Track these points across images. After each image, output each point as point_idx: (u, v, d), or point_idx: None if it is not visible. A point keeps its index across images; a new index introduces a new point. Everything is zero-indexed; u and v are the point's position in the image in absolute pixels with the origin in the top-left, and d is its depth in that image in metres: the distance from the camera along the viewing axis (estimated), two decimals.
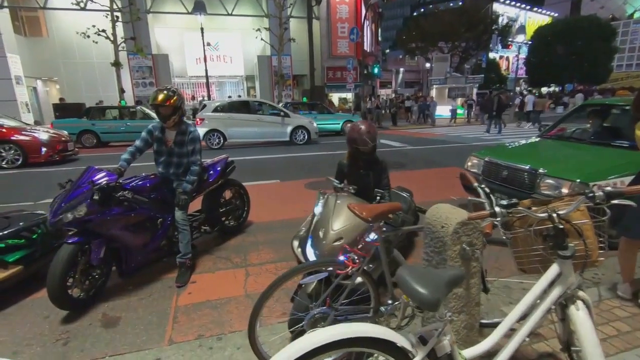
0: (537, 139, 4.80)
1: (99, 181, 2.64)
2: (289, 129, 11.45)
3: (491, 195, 1.73)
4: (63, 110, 14.33)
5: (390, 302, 1.85)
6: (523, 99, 17.83)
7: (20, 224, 2.95)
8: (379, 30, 30.75)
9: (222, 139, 10.88)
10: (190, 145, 3.15)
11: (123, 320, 2.57)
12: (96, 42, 14.27)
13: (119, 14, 14.59)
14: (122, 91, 14.88)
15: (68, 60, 19.04)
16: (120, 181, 2.80)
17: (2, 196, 5.88)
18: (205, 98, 20.27)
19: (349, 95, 22.87)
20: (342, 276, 1.70)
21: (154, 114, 13.12)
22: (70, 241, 2.53)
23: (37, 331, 2.46)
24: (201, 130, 10.74)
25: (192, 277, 3.12)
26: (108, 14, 14.28)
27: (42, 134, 8.44)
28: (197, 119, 10.74)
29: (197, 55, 21.57)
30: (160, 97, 2.93)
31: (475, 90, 23.09)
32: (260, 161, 9.01)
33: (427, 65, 34.53)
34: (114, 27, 14.26)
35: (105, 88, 19.01)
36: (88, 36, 13.63)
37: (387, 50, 51.24)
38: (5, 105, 14.50)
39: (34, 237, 2.97)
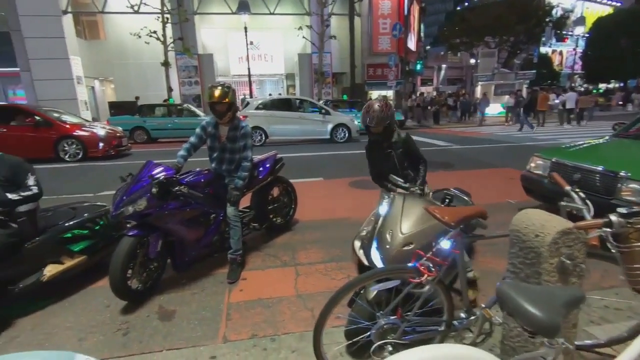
0: (612, 139, 4.32)
1: (158, 176, 2.67)
2: (330, 126, 11.36)
3: (588, 201, 1.50)
4: (117, 107, 15.25)
5: (463, 315, 1.68)
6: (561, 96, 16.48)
7: (85, 215, 3.07)
8: (422, 25, 29.78)
9: (263, 136, 11.01)
10: (242, 141, 3.13)
11: (178, 313, 2.59)
12: (148, 43, 15.03)
13: (168, 15, 15.24)
14: (170, 89, 15.56)
15: (122, 61, 20.23)
16: (177, 176, 2.82)
17: (65, 187, 6.30)
18: (247, 96, 20.77)
19: (389, 93, 22.37)
20: (414, 285, 1.55)
21: (199, 112, 13.67)
22: (130, 234, 2.58)
23: (99, 319, 2.55)
24: None
25: (242, 274, 3.10)
26: (159, 16, 14.96)
27: (100, 130, 8.99)
28: (240, 116, 10.93)
29: (240, 55, 22.12)
30: (217, 93, 2.93)
31: (525, 87, 21.70)
32: (303, 159, 9.00)
33: (472, 61, 33.00)
34: (164, 29, 14.93)
35: (154, 87, 19.98)
36: (140, 37, 14.36)
37: (428, 47, 49.70)
38: (67, 103, 15.66)
39: (97, 228, 3.09)
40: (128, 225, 2.72)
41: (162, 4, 14.84)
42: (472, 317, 1.63)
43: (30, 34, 16.44)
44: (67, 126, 8.63)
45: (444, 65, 40.92)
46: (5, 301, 2.48)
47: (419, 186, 2.38)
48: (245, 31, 15.53)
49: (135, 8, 15.89)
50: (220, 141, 3.15)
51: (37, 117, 8.40)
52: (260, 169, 3.60)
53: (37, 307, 2.65)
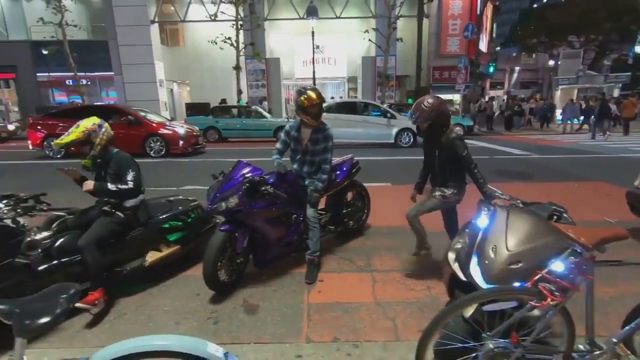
0: None
1: (248, 175, 2.81)
2: (395, 130, 11.14)
3: None
4: (192, 108, 16.50)
5: (584, 347, 1.51)
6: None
7: (180, 207, 3.34)
8: (494, 25, 27.96)
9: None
10: (323, 143, 3.18)
11: (261, 309, 2.69)
12: (222, 49, 16.04)
13: (241, 22, 16.14)
14: (239, 92, 16.45)
15: (197, 66, 21.88)
16: (265, 176, 2.95)
17: (153, 181, 6.91)
18: None
19: (456, 97, 21.33)
20: (531, 308, 1.42)
21: (267, 113, 14.27)
22: (222, 229, 2.75)
23: (191, 306, 2.74)
24: None
25: (319, 276, 3.14)
26: (233, 24, 15.91)
27: (180, 129, 9.79)
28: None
29: (304, 58, 22.69)
30: (316, 96, 3.00)
31: (616, 92, 19.32)
32: (368, 163, 8.90)
33: (551, 62, 30.18)
34: (237, 35, 15.83)
35: (225, 89, 21.29)
36: (216, 43, 15.39)
37: (498, 48, 46.52)
38: (150, 104, 17.30)
39: (189, 220, 3.34)
40: (220, 222, 2.91)
41: (237, 12, 15.74)
42: (597, 352, 1.46)
43: (124, 42, 18.47)
44: (154, 125, 9.53)
45: (517, 68, 38.01)
46: (114, 282, 2.77)
47: (521, 200, 2.20)
48: (313, 35, 15.87)
49: (213, 17, 17.04)
50: (303, 144, 3.22)
51: (130, 117, 9.40)
52: (338, 172, 3.62)
53: (139, 289, 2.93)
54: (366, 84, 20.39)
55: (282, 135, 3.26)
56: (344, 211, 3.83)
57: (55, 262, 2.52)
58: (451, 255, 2.12)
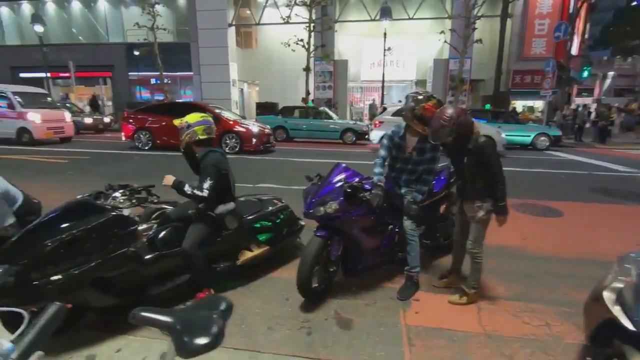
0: None
1: (349, 180, 2.65)
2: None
3: None
4: (262, 108, 17.07)
5: None
6: None
7: (270, 208, 3.30)
8: (587, 25, 25.05)
9: None
10: (430, 153, 2.89)
11: (355, 324, 2.51)
12: (294, 51, 16.37)
13: (313, 24, 16.31)
14: (307, 93, 16.65)
15: (268, 67, 22.65)
16: (363, 182, 2.77)
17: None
18: (376, 101, 20.84)
19: (537, 104, 19.49)
20: None
21: (334, 115, 14.25)
22: (318, 234, 2.62)
23: (282, 311, 2.65)
24: (378, 133, 10.87)
25: (415, 294, 2.87)
26: (306, 26, 16.15)
27: (254, 127, 10.09)
28: (376, 122, 10.90)
29: (372, 61, 22.36)
30: (434, 102, 2.74)
31: None
32: None
33: None
34: (309, 37, 16.04)
35: (292, 90, 21.78)
36: (288, 45, 15.74)
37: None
38: (223, 103, 18.19)
39: (278, 221, 3.29)
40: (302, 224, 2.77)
41: (310, 14, 15.95)
42: None
43: (203, 44, 19.74)
44: (230, 122, 9.95)
45: (610, 73, 33.77)
46: (210, 277, 2.78)
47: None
48: (385, 37, 15.53)
49: (287, 19, 17.47)
50: (406, 152, 2.97)
51: (209, 114, 9.89)
52: (435, 181, 3.32)
53: (229, 286, 2.92)
54: (437, 87, 19.46)
55: (385, 141, 3.00)
56: (437, 225, 3.51)
57: (157, 252, 2.58)
58: (608, 296, 1.74)
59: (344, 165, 2.83)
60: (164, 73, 17.85)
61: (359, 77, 22.87)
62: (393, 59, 22.19)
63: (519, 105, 20.33)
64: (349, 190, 2.55)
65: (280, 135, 13.32)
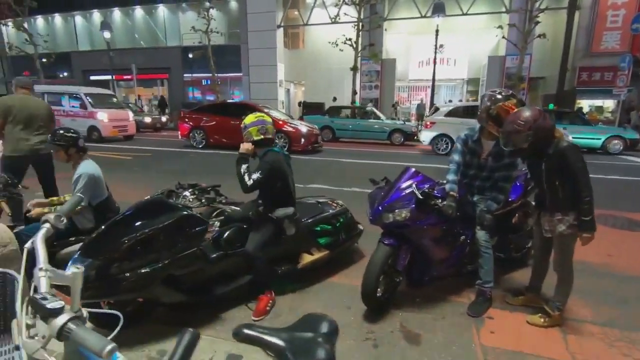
0: None
1: (421, 186, 2.49)
2: None
3: None
4: (308, 107, 17.17)
5: None
6: None
7: (330, 211, 3.22)
8: None
9: (450, 144, 10.25)
10: (509, 158, 2.64)
11: (424, 340, 2.35)
12: (342, 50, 16.28)
13: (362, 23, 16.10)
14: (354, 93, 16.48)
15: (314, 67, 22.78)
16: (435, 189, 2.59)
17: None
18: (424, 101, 20.17)
19: (608, 103, 17.72)
20: None
21: (382, 115, 13.96)
22: (386, 242, 2.49)
23: (345, 320, 2.55)
24: (429, 134, 10.48)
25: (487, 311, 2.65)
26: (355, 25, 15.99)
27: (302, 127, 10.14)
28: (427, 122, 10.50)
29: (420, 59, 21.68)
30: (515, 102, 2.49)
31: None
32: None
33: None
34: (357, 36, 15.86)
35: (337, 90, 21.72)
36: (337, 44, 15.67)
37: None
38: (270, 103, 18.55)
39: (337, 225, 3.20)
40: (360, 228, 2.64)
41: (359, 12, 15.76)
42: None
43: (253, 46, 20.27)
44: (280, 122, 10.07)
45: None
46: (271, 279, 2.76)
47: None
48: (437, 34, 14.92)
49: (337, 18, 17.42)
50: (481, 157, 2.74)
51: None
52: (511, 189, 3.04)
53: (288, 289, 2.88)
54: (491, 86, 18.32)
55: (458, 145, 2.77)
56: (510, 236, 3.22)
57: (222, 252, 2.60)
58: None
59: (413, 169, 2.67)
60: (216, 74, 18.61)
61: (406, 76, 22.27)
62: (443, 57, 21.33)
63: (585, 105, 18.63)
64: (421, 197, 2.39)
65: (327, 135, 13.28)
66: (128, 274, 2.11)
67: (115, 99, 13.78)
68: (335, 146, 12.11)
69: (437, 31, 14.91)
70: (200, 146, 10.68)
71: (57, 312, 0.71)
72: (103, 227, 2.31)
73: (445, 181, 2.71)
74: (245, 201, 3.02)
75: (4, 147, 3.86)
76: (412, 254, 2.63)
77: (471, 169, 2.80)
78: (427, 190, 2.46)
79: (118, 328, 0.85)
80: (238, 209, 2.76)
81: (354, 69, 16.04)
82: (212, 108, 11.49)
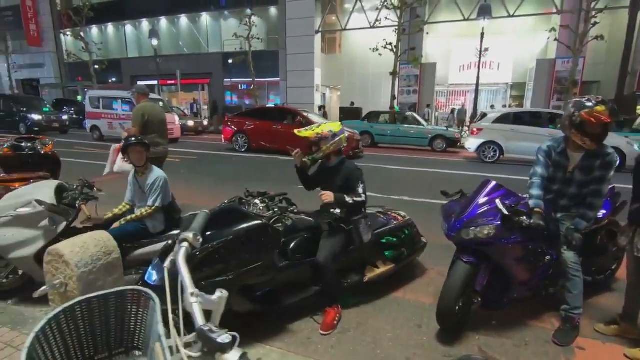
0: None
1: (506, 202, 2.32)
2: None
3: None
4: (346, 113, 17.10)
5: None
6: None
7: (395, 222, 3.10)
8: None
9: (497, 152, 9.78)
10: (600, 172, 2.41)
11: None
12: (381, 55, 16.08)
13: (403, 27, 15.84)
14: (393, 98, 16.21)
15: (350, 72, 22.74)
16: (519, 204, 2.41)
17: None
18: (465, 107, 19.51)
19: None
20: None
21: (423, 121, 13.62)
22: (466, 260, 2.34)
23: (417, 341, 2.42)
24: (475, 141, 10.06)
25: (576, 341, 2.41)
26: (395, 29, 15.76)
27: (344, 132, 10.03)
28: (473, 129, 10.09)
29: (461, 63, 21.03)
30: (606, 111, 2.25)
31: None
32: None
33: None
34: (398, 40, 15.62)
35: (373, 95, 21.54)
36: (377, 49, 15.49)
37: None
38: (306, 107, 18.73)
39: (403, 237, 3.07)
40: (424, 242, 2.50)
41: (401, 16, 15.52)
42: None
43: (291, 51, 20.55)
44: None
45: None
46: (340, 292, 2.68)
47: None
48: (482, 37, 14.37)
49: (378, 22, 17.26)
50: (567, 171, 2.51)
51: (302, 118, 10.16)
52: None
53: (352, 303, 2.78)
54: (539, 90, 17.48)
55: (541, 157, 2.56)
56: (596, 258, 2.95)
57: (289, 262, 2.56)
58: None
59: (495, 182, 2.50)
60: (255, 79, 19.02)
61: (445, 81, 21.67)
62: (486, 61, 20.53)
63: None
64: (507, 213, 2.22)
65: (366, 140, 13.10)
66: (203, 283, 2.10)
67: (161, 103, 14.39)
68: (375, 152, 11.93)
69: (482, 34, 14.36)
70: (243, 150, 10.89)
71: (228, 346, 0.66)
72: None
73: (527, 196, 2.52)
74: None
75: None
76: (490, 273, 2.46)
77: (555, 184, 2.58)
78: (515, 207, 2.29)
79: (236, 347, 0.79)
80: (311, 219, 2.70)
81: (394, 73, 15.79)
82: (254, 113, 11.71)
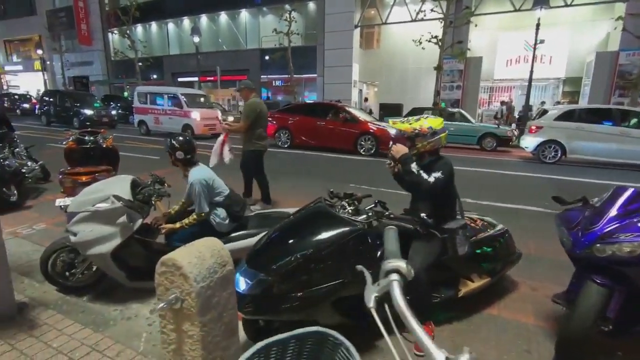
0: None
1: None
2: None
3: None
4: (386, 109, 16.64)
5: None
6: None
7: (489, 231, 2.77)
8: None
9: (559, 152, 9.03)
10: None
11: None
12: (424, 49, 15.45)
13: (450, 20, 15.12)
14: (437, 93, 15.55)
15: (388, 67, 22.13)
16: None
17: (385, 183, 6.86)
18: (513, 103, 18.42)
19: None
20: None
21: (469, 117, 12.91)
22: (600, 282, 1.97)
23: None
24: (533, 140, 9.34)
25: None
26: (440, 21, 15.06)
27: (392, 129, 9.65)
28: (531, 127, 9.37)
29: (509, 57, 19.87)
30: None
31: None
32: None
33: None
34: (444, 33, 14.92)
35: (413, 90, 20.83)
36: (420, 43, 14.89)
37: None
38: (343, 103, 18.46)
39: (497, 247, 2.73)
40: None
41: (448, 8, 14.80)
42: None
43: (329, 47, 20.29)
44: (368, 123, 9.73)
45: None
46: (432, 307, 2.40)
47: None
48: (537, 29, 13.38)
49: (422, 14, 16.60)
50: None
51: (347, 114, 9.89)
52: None
53: (440, 318, 2.49)
54: (597, 86, 16.12)
55: None
56: None
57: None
58: None
59: (635, 189, 2.11)
60: (293, 75, 18.94)
61: (490, 76, 20.56)
62: (537, 54, 19.29)
63: None
64: None
65: None
66: (299, 294, 1.90)
67: (203, 99, 14.61)
68: None
69: (537, 25, 13.37)
70: (286, 146, 10.77)
71: None
72: (267, 236, 2.14)
73: None
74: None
75: (246, 145, 4.69)
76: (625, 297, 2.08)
77: None
78: None
79: None
80: (410, 226, 2.43)
81: (438, 68, 15.12)
82: (297, 108, 11.56)
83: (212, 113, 12.89)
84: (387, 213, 2.25)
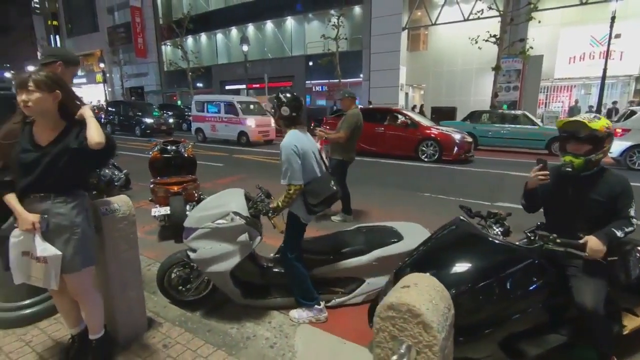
0: None
1: None
2: None
3: None
4: (438, 112, 16.03)
5: None
6: None
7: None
8: None
9: None
10: None
11: None
12: (480, 48, 14.69)
13: (509, 17, 14.30)
14: (495, 95, 14.72)
15: (435, 70, 21.43)
16: None
17: (454, 190, 6.48)
18: (579, 104, 17.10)
19: None
20: None
21: (537, 120, 12.05)
22: None
23: None
24: (620, 144, 8.48)
25: None
26: (497, 20, 14.29)
27: (456, 134, 9.20)
28: (617, 130, 8.50)
29: (571, 54, 18.52)
30: None
31: None
32: None
33: None
34: (503, 32, 14.13)
35: (462, 93, 20.01)
36: (476, 42, 14.17)
37: None
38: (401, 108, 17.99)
39: None
40: None
41: (507, 4, 14.00)
42: None
43: (375, 50, 20.01)
44: (429, 128, 9.34)
45: None
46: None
47: None
48: (612, 22, 12.26)
49: (469, 16, 15.89)
50: None
51: (407, 119, 9.56)
52: None
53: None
54: None
55: None
56: None
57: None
58: None
59: None
60: (334, 80, 18.84)
61: (550, 75, 19.22)
62: (602, 50, 17.79)
63: None
64: None
65: None
66: (486, 332, 1.68)
67: (252, 106, 14.79)
68: (481, 155, 10.81)
69: (612, 18, 12.25)
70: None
71: None
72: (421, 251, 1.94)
73: None
74: None
75: (335, 154, 4.66)
76: None
77: None
78: None
79: None
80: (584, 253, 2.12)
81: (497, 68, 14.31)
82: None
83: (266, 120, 13.05)
84: (552, 237, 1.95)
